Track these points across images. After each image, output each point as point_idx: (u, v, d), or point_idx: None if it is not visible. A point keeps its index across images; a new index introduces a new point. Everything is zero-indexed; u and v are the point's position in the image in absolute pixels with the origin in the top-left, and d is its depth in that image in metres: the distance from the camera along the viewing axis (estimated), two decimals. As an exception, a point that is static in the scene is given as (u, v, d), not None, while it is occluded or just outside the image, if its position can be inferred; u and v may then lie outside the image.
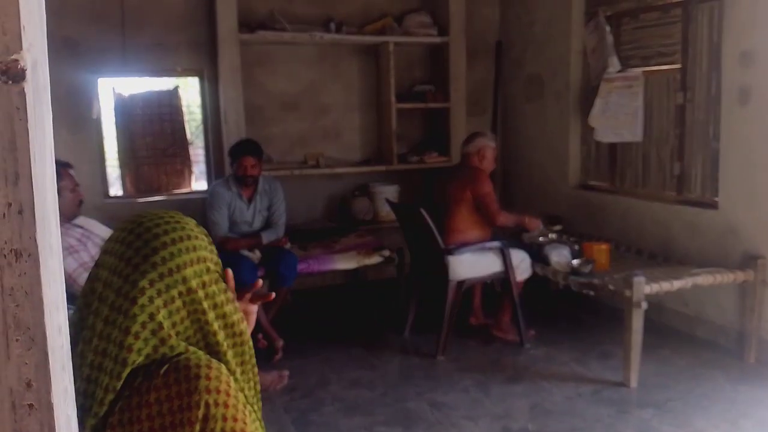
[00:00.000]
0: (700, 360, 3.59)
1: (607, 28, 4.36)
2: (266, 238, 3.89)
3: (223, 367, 1.06)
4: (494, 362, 3.67)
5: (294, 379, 3.41)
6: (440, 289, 3.77)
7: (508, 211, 3.96)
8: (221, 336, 1.07)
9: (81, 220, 2.80)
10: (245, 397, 1.11)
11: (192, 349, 1.05)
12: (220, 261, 1.13)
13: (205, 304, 1.06)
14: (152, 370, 1.00)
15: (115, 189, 4.87)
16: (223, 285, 1.11)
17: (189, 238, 1.08)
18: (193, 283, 1.05)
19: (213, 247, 1.13)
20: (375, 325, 4.32)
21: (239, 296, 1.22)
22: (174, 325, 1.04)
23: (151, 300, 1.02)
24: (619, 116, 4.31)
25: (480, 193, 3.72)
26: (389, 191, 5.06)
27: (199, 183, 5.10)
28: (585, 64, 4.74)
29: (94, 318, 1.03)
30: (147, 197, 4.84)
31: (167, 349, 1.02)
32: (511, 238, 3.99)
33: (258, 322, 3.52)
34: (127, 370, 1.00)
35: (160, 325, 1.02)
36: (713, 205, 3.79)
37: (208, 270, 1.08)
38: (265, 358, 3.59)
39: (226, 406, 0.99)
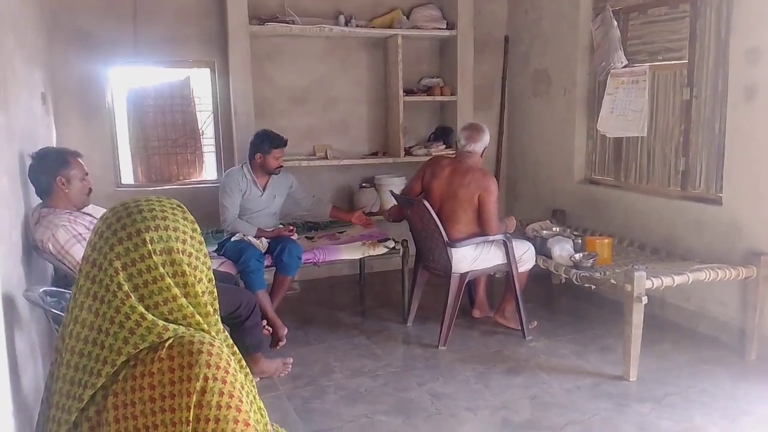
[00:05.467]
0: (700, 356, 3.60)
1: (614, 23, 4.35)
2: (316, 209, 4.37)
3: (226, 348, 1.12)
4: (495, 354, 3.71)
5: (298, 367, 3.48)
6: (444, 280, 3.82)
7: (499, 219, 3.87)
8: (183, 302, 1.11)
9: (90, 208, 2.87)
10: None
11: (192, 329, 1.11)
12: (200, 237, 1.17)
13: (162, 269, 1.09)
14: (156, 346, 1.06)
15: (127, 178, 4.94)
16: (200, 260, 1.15)
17: (153, 210, 1.13)
18: (151, 247, 1.09)
19: (194, 225, 1.17)
20: (379, 316, 4.38)
21: None
22: (142, 297, 1.08)
23: (117, 272, 1.07)
24: (626, 112, 4.31)
25: (488, 201, 3.68)
26: (396, 183, 5.10)
27: (209, 173, 5.16)
28: (592, 59, 4.74)
29: (83, 297, 1.10)
30: (158, 186, 4.92)
31: (155, 337, 1.07)
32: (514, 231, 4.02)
33: (262, 310, 3.59)
34: (121, 359, 1.06)
35: (143, 316, 1.07)
36: (717, 202, 3.79)
37: (175, 239, 1.11)
38: (269, 345, 3.66)
39: (224, 382, 1.04)
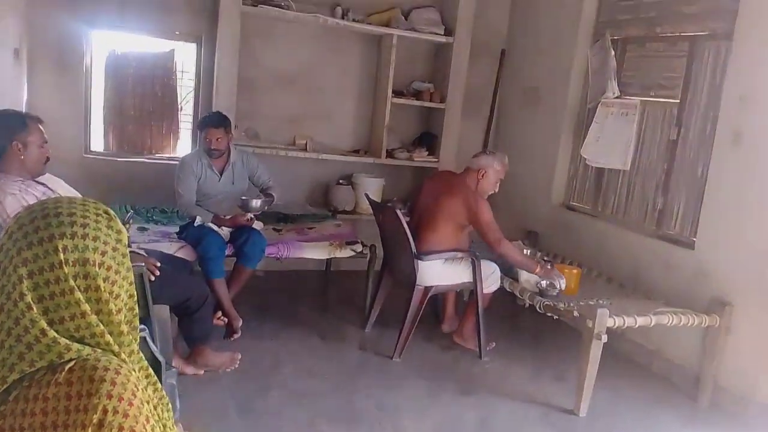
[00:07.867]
0: (653, 396, 3.58)
1: (612, 52, 4.29)
2: (263, 204, 3.91)
3: (134, 374, 1.02)
4: (449, 371, 3.65)
5: (247, 360, 3.37)
6: (408, 291, 3.74)
7: (512, 244, 3.75)
8: (92, 320, 1.01)
9: (46, 177, 2.72)
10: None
11: (99, 351, 1.01)
12: (124, 249, 1.06)
13: (73, 282, 0.99)
14: (56, 366, 0.97)
15: (97, 146, 4.79)
16: (120, 274, 1.05)
17: (74, 215, 1.02)
18: (63, 256, 0.98)
19: (119, 236, 1.06)
20: (339, 316, 4.30)
21: None
22: (46, 309, 0.98)
23: (21, 279, 0.97)
24: (612, 143, 4.26)
25: (481, 222, 3.60)
26: (374, 184, 5.02)
27: (183, 149, 5.03)
28: (585, 84, 4.68)
29: None
30: (128, 157, 4.78)
31: (54, 356, 0.98)
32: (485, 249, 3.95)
33: (218, 299, 3.49)
34: (13, 376, 0.97)
35: (43, 332, 0.97)
36: (690, 245, 3.76)
37: (93, 250, 1.01)
38: (222, 337, 3.56)
39: (125, 415, 0.95)
